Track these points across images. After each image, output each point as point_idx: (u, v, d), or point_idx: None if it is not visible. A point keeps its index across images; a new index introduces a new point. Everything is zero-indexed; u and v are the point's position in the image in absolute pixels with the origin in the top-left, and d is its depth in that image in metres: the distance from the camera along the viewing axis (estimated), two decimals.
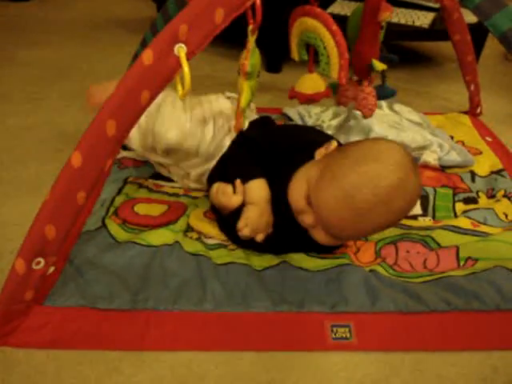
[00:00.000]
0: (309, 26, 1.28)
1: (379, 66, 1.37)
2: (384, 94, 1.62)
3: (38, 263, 0.82)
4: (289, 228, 1.00)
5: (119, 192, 1.22)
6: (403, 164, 0.85)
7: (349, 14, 1.55)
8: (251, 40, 1.07)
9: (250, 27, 1.04)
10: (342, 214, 0.84)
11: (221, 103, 1.21)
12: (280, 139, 1.09)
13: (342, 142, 1.44)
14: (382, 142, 0.91)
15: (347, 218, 0.85)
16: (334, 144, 0.98)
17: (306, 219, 0.93)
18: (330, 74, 1.31)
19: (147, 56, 0.78)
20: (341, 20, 1.32)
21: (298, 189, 0.93)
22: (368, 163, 0.84)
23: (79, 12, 2.87)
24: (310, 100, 1.48)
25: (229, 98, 1.26)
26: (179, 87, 0.85)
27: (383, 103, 1.61)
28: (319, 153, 0.98)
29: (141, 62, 0.78)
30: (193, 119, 1.12)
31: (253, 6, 0.90)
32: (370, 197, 0.82)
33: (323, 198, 0.86)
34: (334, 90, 1.46)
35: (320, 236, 0.94)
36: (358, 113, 1.40)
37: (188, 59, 0.81)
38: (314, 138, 1.09)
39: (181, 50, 0.81)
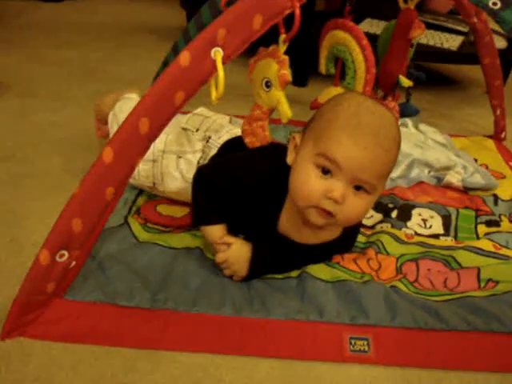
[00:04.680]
0: (340, 38, 1.29)
1: (405, 82, 1.37)
2: (407, 111, 1.63)
3: (62, 256, 0.82)
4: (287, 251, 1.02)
5: (141, 191, 1.23)
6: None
7: (378, 33, 1.56)
8: (282, 50, 1.07)
9: (282, 36, 1.04)
10: (362, 141, 0.82)
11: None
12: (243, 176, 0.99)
13: None
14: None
15: (367, 146, 0.82)
16: (297, 134, 0.94)
17: (336, 192, 0.83)
18: (355, 87, 1.32)
19: (184, 57, 0.79)
20: (369, 38, 1.32)
21: (306, 177, 0.87)
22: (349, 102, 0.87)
23: (109, 16, 2.91)
24: None
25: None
26: (213, 90, 0.86)
27: (409, 122, 1.61)
28: (293, 147, 0.95)
29: (178, 63, 0.79)
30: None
31: (286, 17, 0.90)
32: (372, 117, 0.84)
33: (335, 142, 0.83)
34: None
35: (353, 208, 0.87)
36: None
37: (224, 63, 0.82)
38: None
39: (217, 53, 0.81)
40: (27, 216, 1.14)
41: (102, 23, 2.76)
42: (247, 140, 1.07)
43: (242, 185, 0.97)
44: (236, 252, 0.97)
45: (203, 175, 1.01)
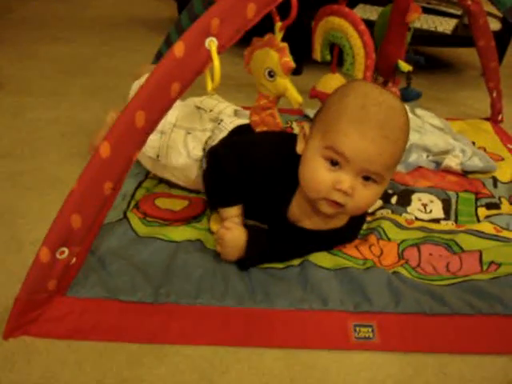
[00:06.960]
0: (335, 25, 1.28)
1: (405, 66, 1.37)
2: (409, 95, 1.62)
3: (62, 253, 0.81)
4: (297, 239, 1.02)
5: (139, 185, 1.22)
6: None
7: (371, 18, 1.55)
8: (278, 37, 1.06)
9: (278, 24, 1.04)
10: (369, 134, 0.83)
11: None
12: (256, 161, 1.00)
13: None
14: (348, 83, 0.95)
15: (374, 138, 0.83)
16: (306, 124, 0.95)
17: (344, 184, 0.85)
18: (354, 74, 1.31)
19: (179, 48, 0.78)
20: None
21: (315, 169, 0.88)
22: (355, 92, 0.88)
23: (100, 10, 2.89)
24: None
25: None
26: (209, 81, 0.85)
27: (406, 107, 1.60)
28: (302, 136, 0.95)
29: (172, 54, 0.79)
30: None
31: (279, 4, 0.89)
32: (379, 108, 0.84)
33: (343, 136, 0.84)
34: None
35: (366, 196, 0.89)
36: None
37: (219, 53, 0.82)
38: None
39: (212, 43, 0.81)
40: (25, 214, 1.13)
41: (95, 17, 2.74)
42: (258, 130, 1.07)
43: (256, 170, 0.98)
44: (234, 236, 0.98)
45: (219, 159, 1.00)
